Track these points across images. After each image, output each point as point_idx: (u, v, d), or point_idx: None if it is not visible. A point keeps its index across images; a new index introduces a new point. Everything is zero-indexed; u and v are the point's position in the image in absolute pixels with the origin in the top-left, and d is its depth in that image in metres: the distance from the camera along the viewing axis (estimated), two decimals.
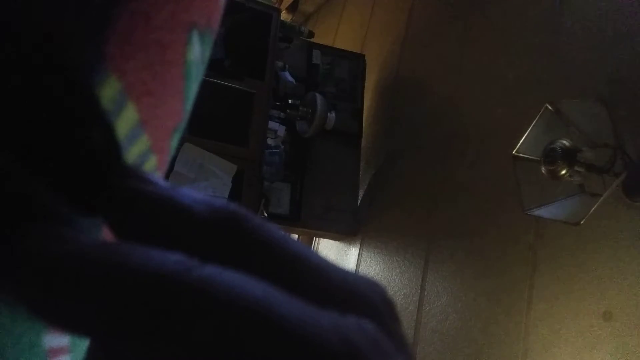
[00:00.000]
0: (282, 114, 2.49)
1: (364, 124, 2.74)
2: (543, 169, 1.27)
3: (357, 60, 2.84)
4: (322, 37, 3.62)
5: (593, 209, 1.21)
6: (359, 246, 2.62)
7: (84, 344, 0.19)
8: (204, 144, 2.15)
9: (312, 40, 2.81)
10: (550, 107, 1.32)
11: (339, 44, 3.48)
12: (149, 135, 0.19)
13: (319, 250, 3.08)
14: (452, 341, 1.83)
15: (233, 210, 0.14)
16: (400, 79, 2.78)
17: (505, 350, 1.60)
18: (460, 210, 2.00)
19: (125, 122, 0.18)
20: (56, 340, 0.17)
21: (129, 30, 0.17)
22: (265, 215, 2.36)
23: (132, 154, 0.19)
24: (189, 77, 0.20)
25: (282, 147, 2.50)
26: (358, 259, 2.60)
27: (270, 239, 0.13)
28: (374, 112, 2.88)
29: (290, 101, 2.51)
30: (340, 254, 2.81)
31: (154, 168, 0.21)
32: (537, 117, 1.35)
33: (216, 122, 2.28)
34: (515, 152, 1.40)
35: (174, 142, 0.22)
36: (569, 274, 1.47)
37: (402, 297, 2.16)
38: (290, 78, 2.56)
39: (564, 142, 1.24)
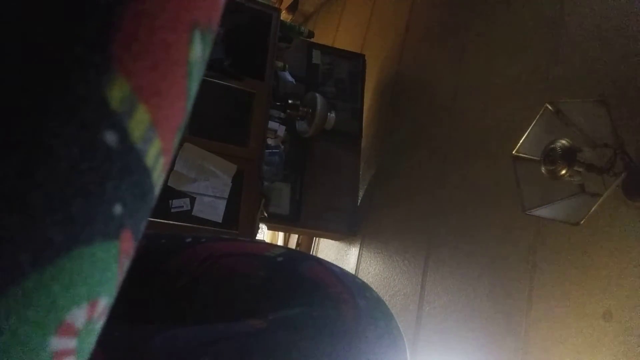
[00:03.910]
0: (282, 114, 2.49)
1: (364, 124, 2.74)
2: (543, 169, 1.27)
3: (357, 60, 2.84)
4: (322, 37, 3.62)
5: (593, 209, 1.21)
6: (359, 246, 2.62)
7: (90, 346, 0.19)
8: (204, 144, 2.15)
9: (312, 40, 2.81)
10: (550, 107, 1.32)
11: (339, 44, 3.48)
12: (160, 137, 0.19)
13: (319, 250, 3.08)
14: (452, 341, 1.83)
15: None
16: (400, 79, 2.78)
17: (505, 350, 1.60)
18: (460, 210, 2.00)
19: (139, 123, 0.18)
20: (63, 342, 0.17)
21: (134, 30, 0.17)
22: (265, 215, 2.36)
23: (149, 157, 0.19)
24: (191, 76, 0.21)
25: (282, 147, 2.50)
26: (358, 259, 2.60)
27: None
28: (374, 112, 2.88)
29: (290, 101, 2.51)
30: (340, 254, 2.81)
31: (162, 170, 0.21)
32: (537, 117, 1.35)
33: (216, 122, 2.28)
34: (515, 152, 1.40)
35: (177, 142, 0.22)
36: (569, 274, 1.47)
37: (402, 297, 2.16)
38: (290, 78, 2.57)
39: (564, 142, 1.24)
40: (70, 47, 0.16)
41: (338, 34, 3.81)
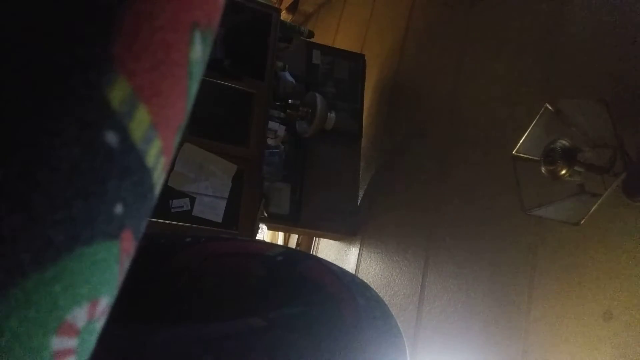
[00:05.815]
0: (282, 114, 2.49)
1: (364, 124, 2.74)
2: (543, 169, 1.27)
3: (357, 60, 2.84)
4: (322, 37, 3.62)
5: (593, 209, 1.21)
6: (359, 246, 2.62)
7: (90, 346, 0.19)
8: (204, 144, 2.15)
9: (312, 40, 2.81)
10: (550, 107, 1.32)
11: (339, 44, 3.48)
12: (161, 137, 0.19)
13: (319, 250, 3.08)
14: (452, 341, 1.83)
15: None
16: (400, 79, 2.78)
17: (505, 350, 1.60)
18: (460, 210, 2.00)
19: (140, 123, 0.18)
20: (64, 342, 0.17)
21: (134, 31, 0.17)
22: (265, 215, 2.36)
23: (150, 157, 0.19)
24: (191, 76, 0.21)
25: (282, 147, 2.50)
26: (358, 259, 2.60)
27: None
28: (374, 112, 2.88)
29: (290, 101, 2.51)
30: (340, 254, 2.81)
31: (162, 170, 0.21)
32: (537, 117, 1.35)
33: (216, 122, 2.28)
34: (515, 152, 1.40)
35: (177, 142, 0.22)
36: (569, 274, 1.47)
37: (402, 297, 2.16)
38: (290, 78, 2.56)
39: (564, 142, 1.24)
40: (71, 48, 0.16)
41: (338, 34, 3.81)
